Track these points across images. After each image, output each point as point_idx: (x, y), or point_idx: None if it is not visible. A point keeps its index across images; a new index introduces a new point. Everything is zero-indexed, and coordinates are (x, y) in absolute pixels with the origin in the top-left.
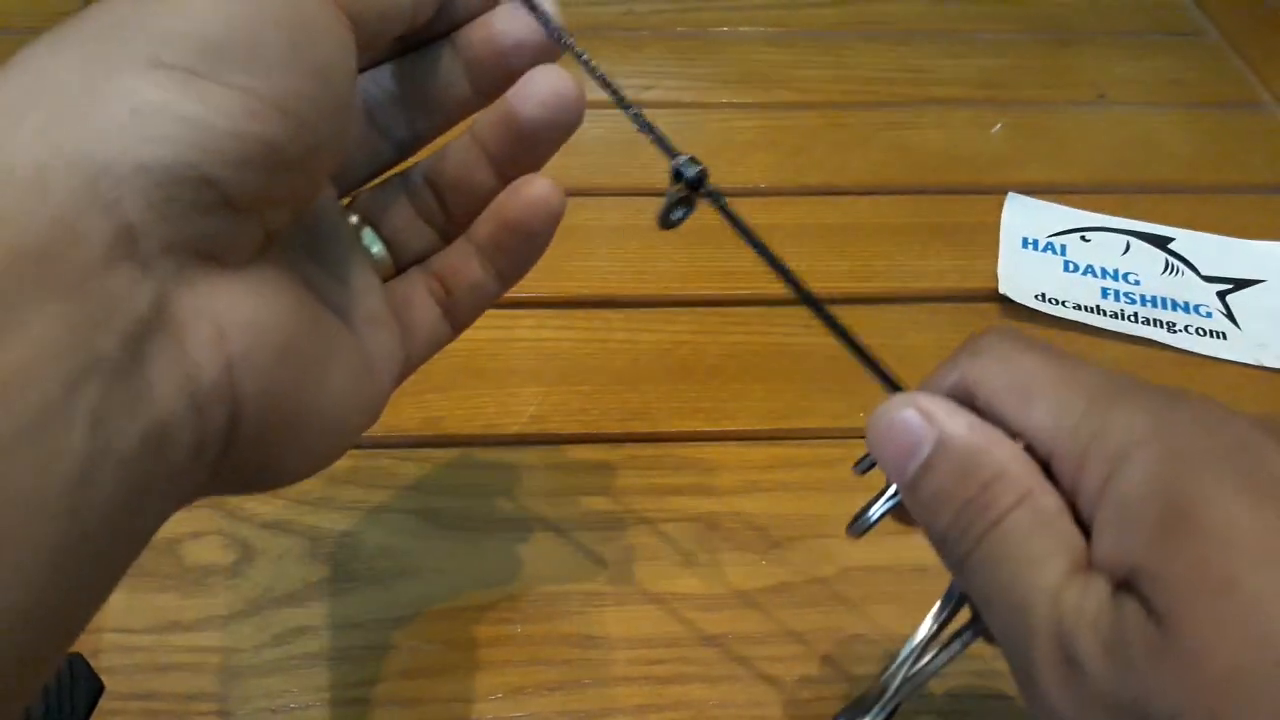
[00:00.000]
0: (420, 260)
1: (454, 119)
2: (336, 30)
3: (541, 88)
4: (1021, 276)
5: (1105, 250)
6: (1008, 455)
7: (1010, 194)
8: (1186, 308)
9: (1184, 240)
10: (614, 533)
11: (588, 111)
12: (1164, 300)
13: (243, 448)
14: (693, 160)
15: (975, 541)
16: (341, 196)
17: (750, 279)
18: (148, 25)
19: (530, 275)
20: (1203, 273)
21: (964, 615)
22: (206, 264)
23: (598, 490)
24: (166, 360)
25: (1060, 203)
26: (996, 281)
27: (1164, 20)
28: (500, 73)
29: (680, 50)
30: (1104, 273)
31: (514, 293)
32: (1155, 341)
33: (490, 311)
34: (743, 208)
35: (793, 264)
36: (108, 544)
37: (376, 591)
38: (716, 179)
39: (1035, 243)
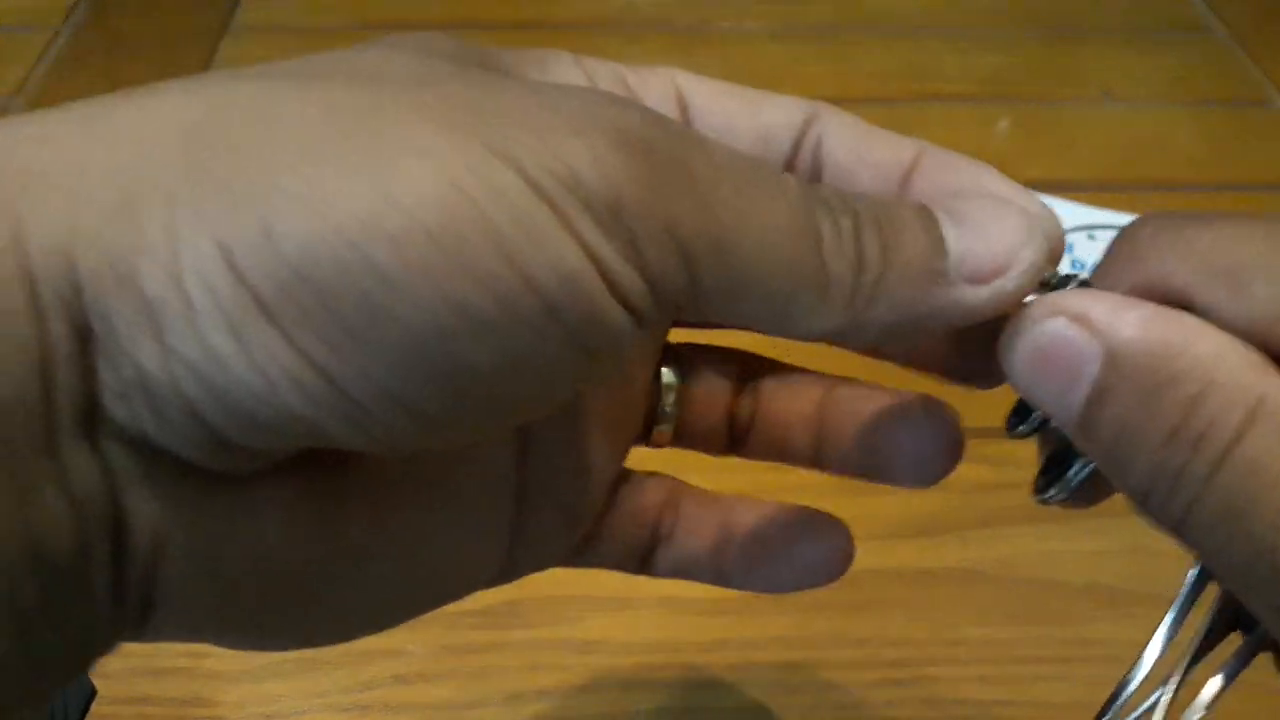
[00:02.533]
0: (706, 443)
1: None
2: (572, 330)
3: (930, 440)
4: None
5: None
6: (1215, 350)
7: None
8: None
9: None
10: None
11: None
12: None
13: (164, 637)
14: None
15: (1200, 484)
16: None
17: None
18: (258, 190)
19: None
20: None
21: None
22: (181, 472)
23: None
24: (102, 564)
25: (1066, 200)
26: None
27: (1170, 17)
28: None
29: (682, 45)
30: None
31: None
32: None
33: None
34: None
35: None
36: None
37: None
38: None
39: None
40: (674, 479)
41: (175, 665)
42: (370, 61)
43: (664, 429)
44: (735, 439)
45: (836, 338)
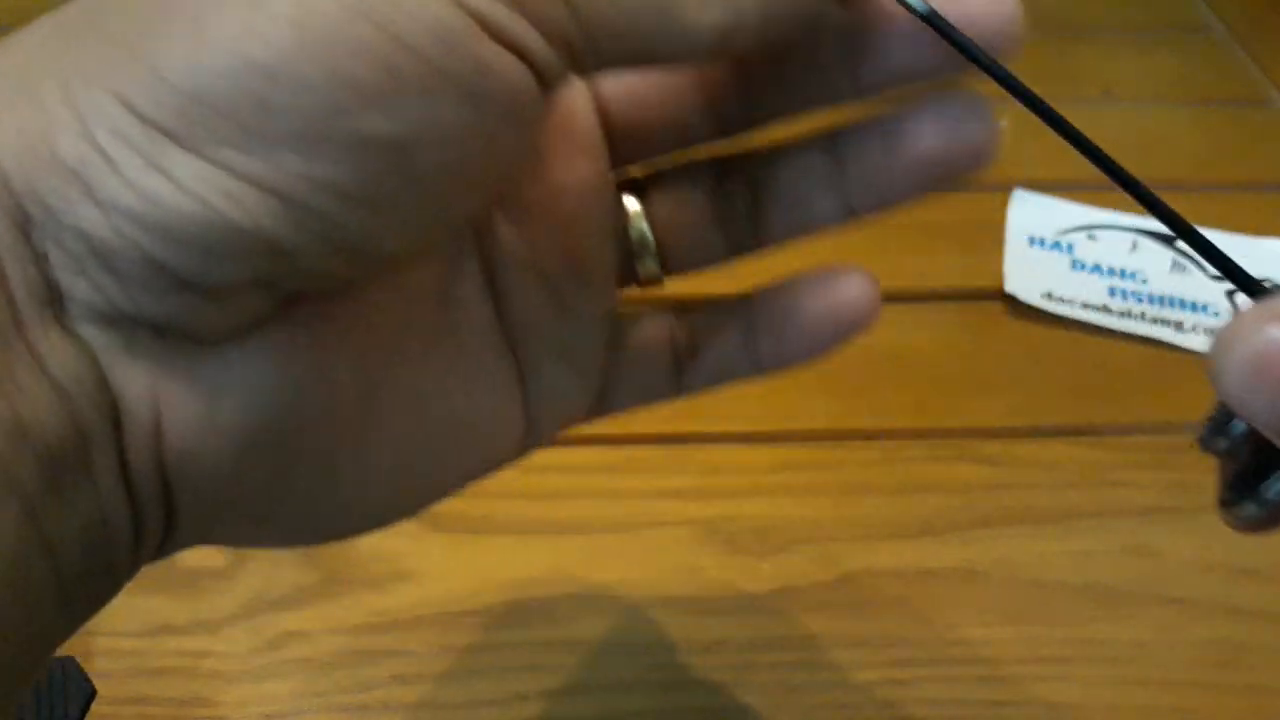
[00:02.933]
0: (698, 269)
1: (808, 110)
2: (470, 83)
3: (958, 120)
4: (1028, 275)
5: (1112, 248)
6: None
7: (1016, 191)
8: (1194, 307)
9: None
10: (613, 536)
11: None
12: (1172, 299)
13: (193, 533)
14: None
15: None
16: (623, 163)
17: (752, 278)
18: (142, 50)
19: None
20: (1211, 271)
21: None
22: (159, 336)
23: (597, 493)
24: (101, 448)
25: (1067, 200)
26: (1002, 280)
27: (1170, 16)
28: (897, 72)
29: None
30: (1111, 271)
31: None
32: (1163, 341)
33: None
34: None
35: (795, 262)
36: (36, 636)
37: (372, 595)
38: None
39: (1042, 241)
40: (677, 301)
41: (175, 665)
42: None
43: (648, 264)
44: (734, 240)
45: (726, 41)
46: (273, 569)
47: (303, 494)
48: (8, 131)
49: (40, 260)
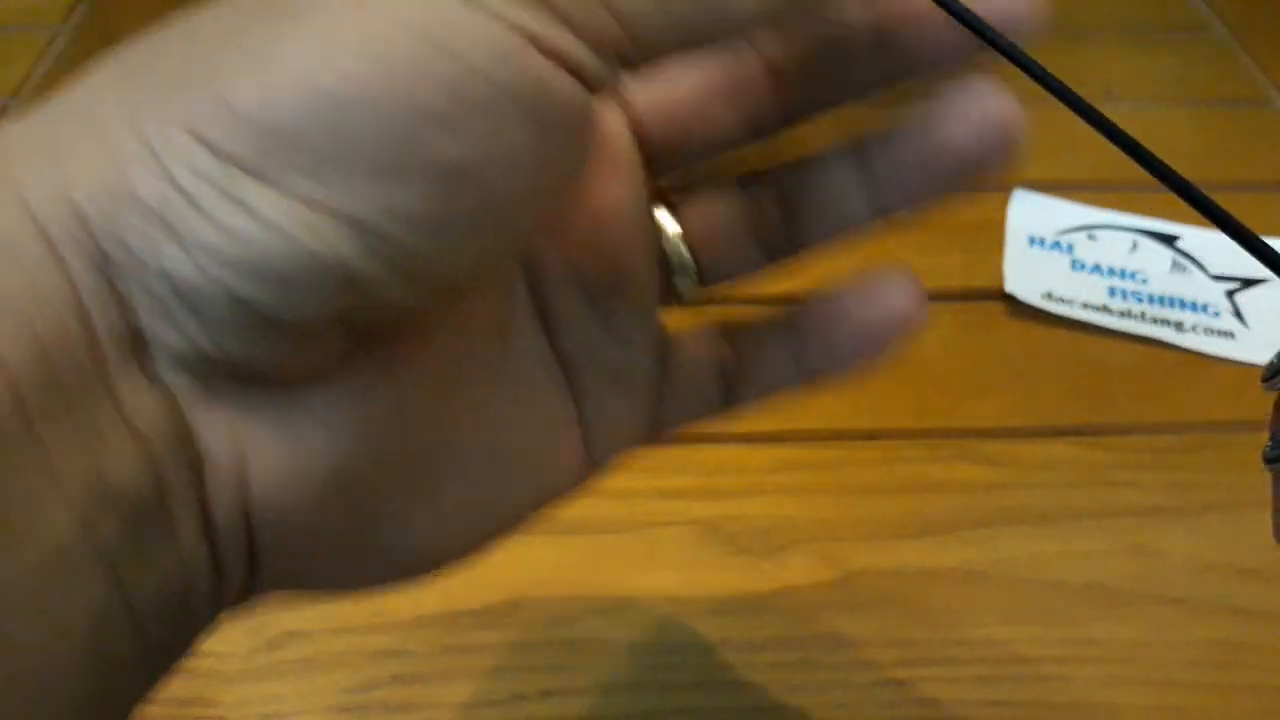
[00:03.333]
0: (736, 280)
1: (839, 105)
2: (531, 102)
3: (982, 112)
4: (1028, 275)
5: (1112, 248)
6: None
7: (1016, 191)
8: (1194, 307)
9: (1191, 238)
10: (614, 536)
11: None
12: (1172, 299)
13: (274, 579)
14: None
15: None
16: (657, 177)
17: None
18: (205, 80)
19: None
20: (1211, 271)
21: None
22: (240, 383)
23: (597, 493)
24: (184, 495)
25: (1067, 199)
26: (1002, 280)
27: (1171, 16)
28: (925, 63)
29: None
30: (1111, 271)
31: None
32: (1163, 341)
33: None
34: None
35: (796, 263)
36: (117, 694)
37: (371, 596)
38: None
39: (1042, 241)
40: (725, 321)
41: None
42: None
43: (688, 282)
44: (770, 250)
45: (775, 16)
46: None
47: (380, 536)
48: (83, 173)
49: (124, 305)
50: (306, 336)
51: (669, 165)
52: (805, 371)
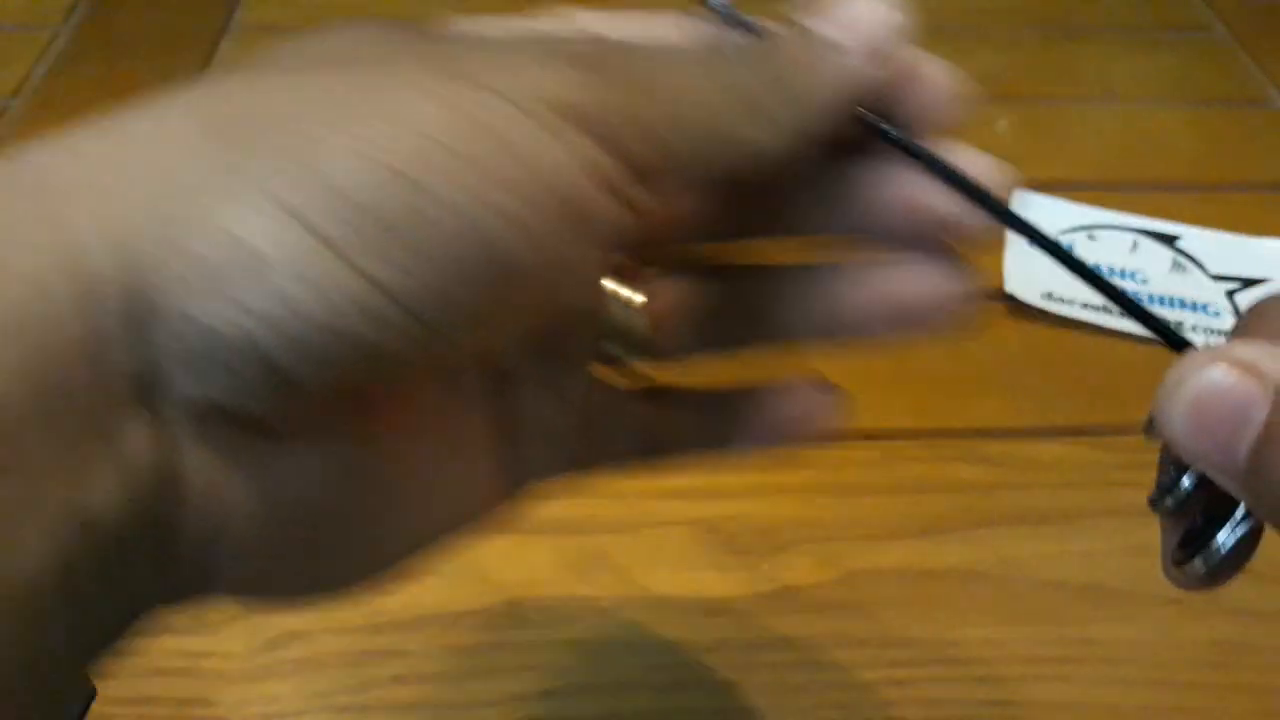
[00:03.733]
0: (671, 362)
1: (789, 237)
2: (577, 222)
3: (943, 281)
4: (1028, 275)
5: (1112, 248)
6: None
7: (1016, 191)
8: (1194, 307)
9: (1191, 238)
10: (614, 536)
11: None
12: (1171, 299)
13: (221, 596)
14: None
15: None
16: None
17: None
18: (303, 150)
19: None
20: (1210, 271)
21: None
22: (236, 429)
23: (597, 493)
24: (156, 528)
25: (1067, 200)
26: (1002, 280)
27: (1171, 16)
28: (906, 232)
29: None
30: (1111, 271)
31: None
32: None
33: None
34: None
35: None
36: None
37: (371, 596)
38: None
39: None
40: (659, 388)
41: (176, 665)
42: (336, 44)
43: (628, 350)
44: (716, 343)
45: (790, 150)
46: None
47: (322, 564)
48: (140, 218)
49: (147, 347)
50: (316, 399)
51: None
52: (720, 444)
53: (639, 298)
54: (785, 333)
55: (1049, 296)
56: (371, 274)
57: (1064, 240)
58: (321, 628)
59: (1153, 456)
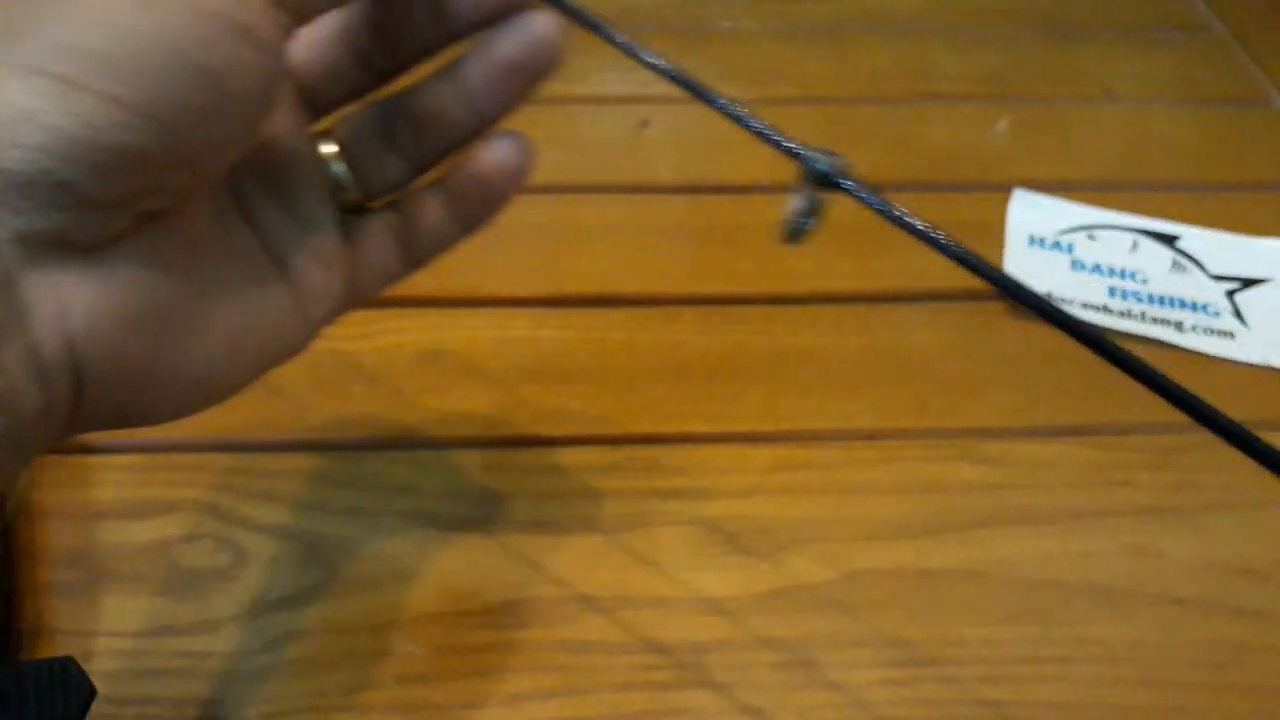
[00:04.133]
0: (392, 189)
1: (435, 51)
2: (242, 34)
3: (526, 32)
4: (1028, 275)
5: (1112, 248)
6: None
7: (1016, 191)
8: (1194, 307)
9: (1191, 238)
10: (614, 536)
11: (590, 107)
12: (1172, 299)
13: (96, 404)
14: (828, 152)
15: None
16: (319, 117)
17: (752, 278)
18: (38, 32)
19: (529, 274)
20: (1210, 271)
21: None
22: (59, 249)
23: (597, 493)
24: (10, 337)
25: (1067, 199)
26: None
27: (1170, 16)
28: (486, 12)
29: (682, 45)
30: (1111, 271)
31: (513, 292)
32: (1163, 341)
33: (487, 310)
34: (746, 205)
35: (796, 263)
36: None
37: (372, 596)
38: (719, 176)
39: (1042, 241)
40: (397, 200)
41: (176, 665)
42: None
43: (351, 193)
44: (413, 161)
45: None
46: (273, 569)
47: (169, 364)
48: None
49: None
50: (109, 211)
51: (322, 107)
52: (461, 224)
53: (332, 147)
54: (455, 128)
55: (1049, 297)
56: (112, 95)
57: (1064, 240)
58: (322, 628)
59: (1152, 458)
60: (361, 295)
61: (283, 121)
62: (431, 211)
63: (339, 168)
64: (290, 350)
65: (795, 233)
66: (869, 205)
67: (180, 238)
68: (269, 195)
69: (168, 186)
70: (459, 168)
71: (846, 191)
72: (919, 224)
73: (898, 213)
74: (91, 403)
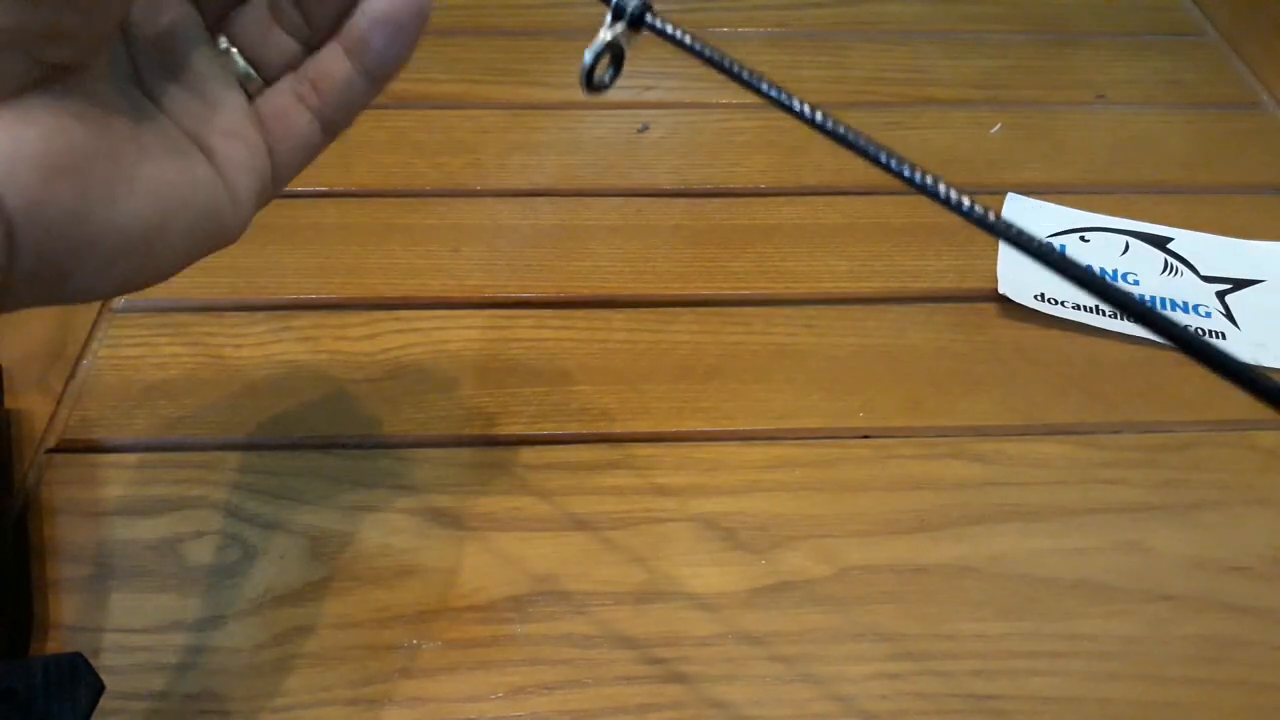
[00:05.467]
0: (291, 65)
1: None
2: None
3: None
4: (1021, 276)
5: (1104, 250)
6: None
7: (1009, 194)
8: (1186, 308)
9: (1183, 240)
10: (614, 532)
11: (590, 112)
12: (1163, 300)
13: (31, 259)
14: None
15: None
16: (215, 17)
17: (749, 280)
18: None
19: (530, 274)
20: (1202, 273)
21: None
22: None
23: (598, 490)
24: None
25: (1059, 203)
26: (996, 281)
27: (1162, 21)
28: None
29: (678, 50)
30: (1103, 273)
31: (514, 292)
32: (1155, 342)
33: (490, 311)
34: (743, 208)
35: (793, 264)
36: None
37: (377, 591)
38: (717, 179)
39: None
40: (298, 71)
41: (184, 660)
42: None
43: (251, 78)
44: (303, 37)
45: None
46: (280, 566)
47: (95, 220)
48: None
49: None
50: (6, 64)
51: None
52: (367, 76)
53: (224, 42)
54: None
55: (1041, 298)
56: None
57: (1057, 242)
58: (328, 623)
59: (1143, 455)
60: (286, 167)
61: (175, 17)
62: (336, 69)
63: (235, 58)
64: (222, 225)
65: (592, 76)
66: (679, 45)
67: (91, 96)
68: (172, 83)
69: (60, 34)
70: (354, 17)
71: (656, 32)
72: (746, 73)
73: (709, 53)
74: (25, 258)
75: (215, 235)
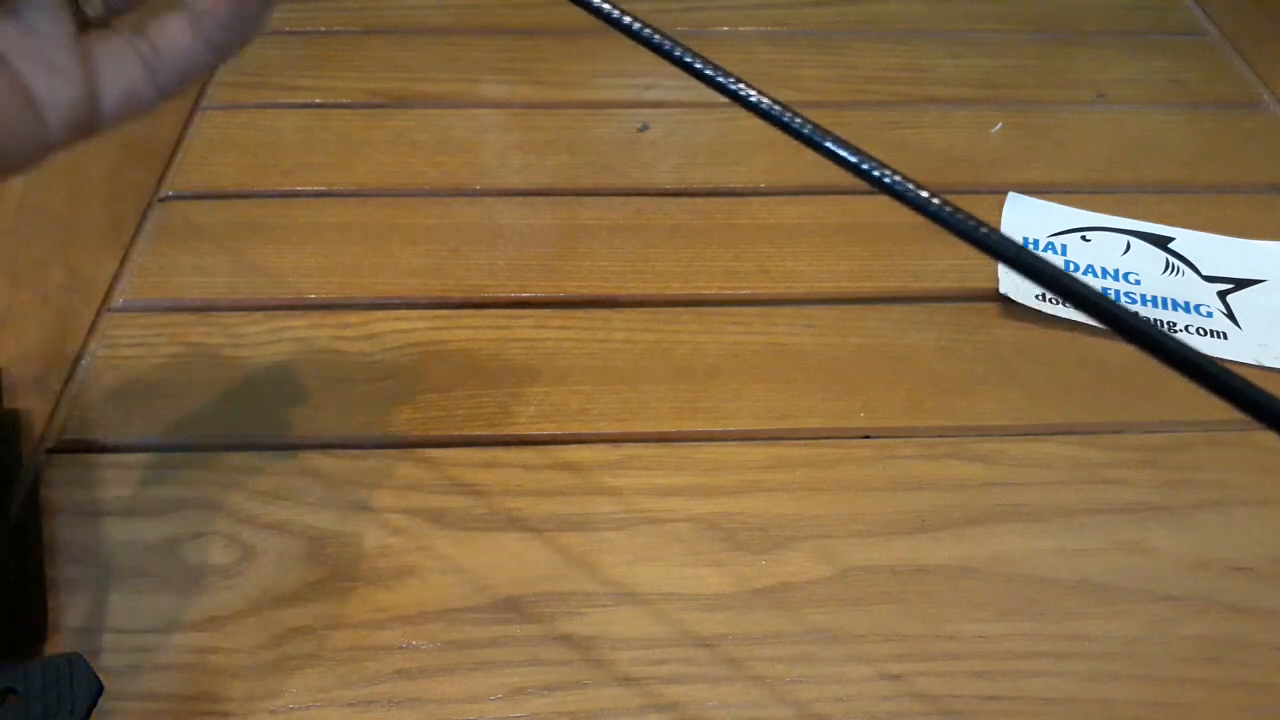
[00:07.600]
0: (130, 6)
1: None
2: None
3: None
4: (1022, 276)
5: (1106, 250)
6: None
7: (1010, 194)
8: (1187, 307)
9: (1184, 240)
10: (614, 533)
11: (590, 111)
12: (1165, 300)
13: None
14: None
15: None
16: None
17: (750, 280)
18: None
19: (530, 274)
20: (1203, 272)
21: None
22: None
23: (598, 490)
24: None
25: (1060, 202)
26: (997, 281)
27: (1164, 20)
28: None
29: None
30: (1105, 273)
31: (514, 292)
32: None
33: (490, 311)
34: (744, 207)
35: (793, 264)
36: None
37: (376, 592)
38: (718, 179)
39: (1036, 243)
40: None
41: (182, 661)
42: None
43: (86, 11)
44: None
45: None
46: (279, 566)
47: None
48: None
49: None
50: None
51: None
52: (208, 44)
53: None
54: None
55: (1042, 297)
56: None
57: (1058, 242)
58: (327, 624)
59: (1145, 456)
60: (109, 112)
61: None
62: (177, 33)
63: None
64: (27, 150)
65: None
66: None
67: None
68: (10, 13)
69: None
70: None
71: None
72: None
73: (627, 20)
74: None
75: (17, 155)
